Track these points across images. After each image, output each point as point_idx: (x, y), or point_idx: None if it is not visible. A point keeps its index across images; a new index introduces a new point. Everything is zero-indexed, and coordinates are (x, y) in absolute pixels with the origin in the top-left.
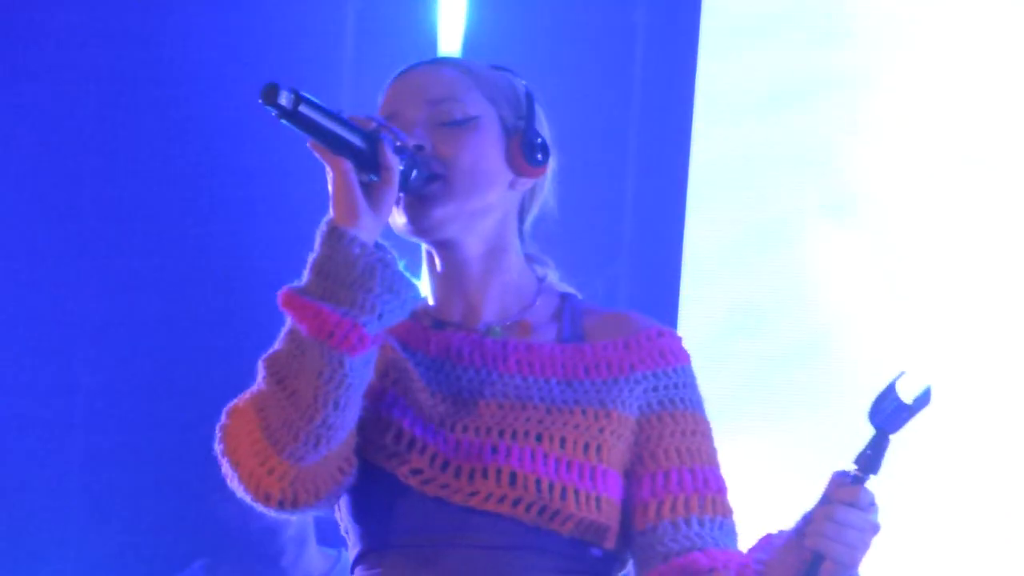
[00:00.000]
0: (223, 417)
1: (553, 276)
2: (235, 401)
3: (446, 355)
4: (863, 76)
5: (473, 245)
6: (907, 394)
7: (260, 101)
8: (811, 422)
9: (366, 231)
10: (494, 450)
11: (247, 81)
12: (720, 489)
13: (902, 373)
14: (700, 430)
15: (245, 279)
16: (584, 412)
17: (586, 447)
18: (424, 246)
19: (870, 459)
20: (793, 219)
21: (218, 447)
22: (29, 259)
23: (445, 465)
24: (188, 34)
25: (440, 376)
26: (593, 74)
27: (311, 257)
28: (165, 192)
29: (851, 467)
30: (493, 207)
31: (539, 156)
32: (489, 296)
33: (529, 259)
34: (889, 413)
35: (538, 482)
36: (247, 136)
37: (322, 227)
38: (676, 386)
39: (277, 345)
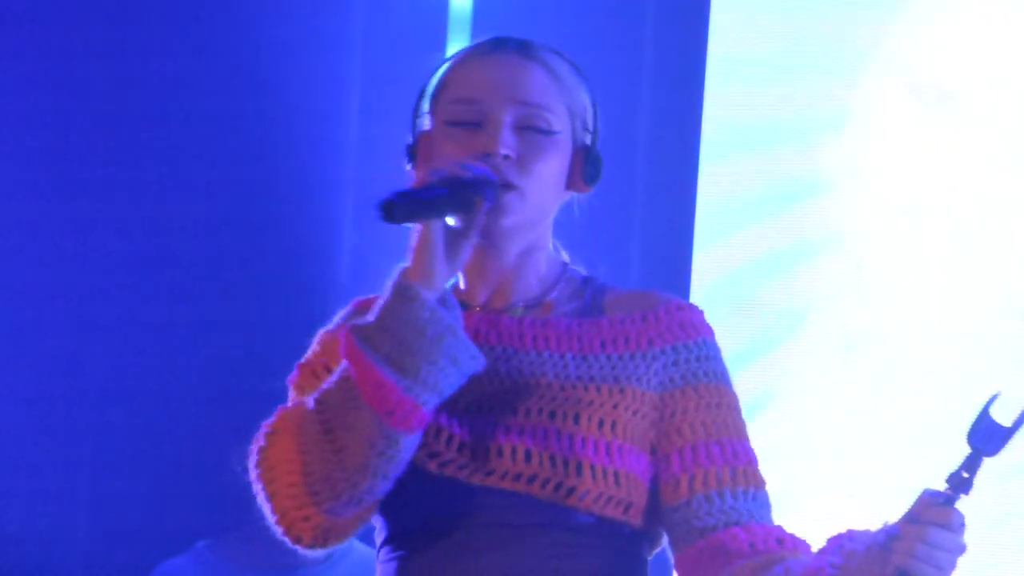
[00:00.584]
0: (261, 439)
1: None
2: (275, 422)
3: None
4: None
5: (515, 246)
6: (1004, 416)
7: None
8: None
9: (438, 289)
10: (507, 428)
11: (250, 76)
12: (751, 461)
13: (997, 395)
14: (726, 402)
15: (249, 279)
16: (599, 388)
17: (600, 423)
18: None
19: (964, 480)
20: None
21: (254, 470)
22: (31, 260)
23: (461, 446)
24: (188, 31)
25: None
26: (602, 57)
27: (380, 300)
28: (172, 194)
29: (943, 486)
30: (547, 216)
31: (594, 174)
32: (517, 284)
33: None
34: (986, 434)
35: (552, 459)
36: (249, 136)
37: (395, 276)
38: (698, 359)
39: (330, 385)
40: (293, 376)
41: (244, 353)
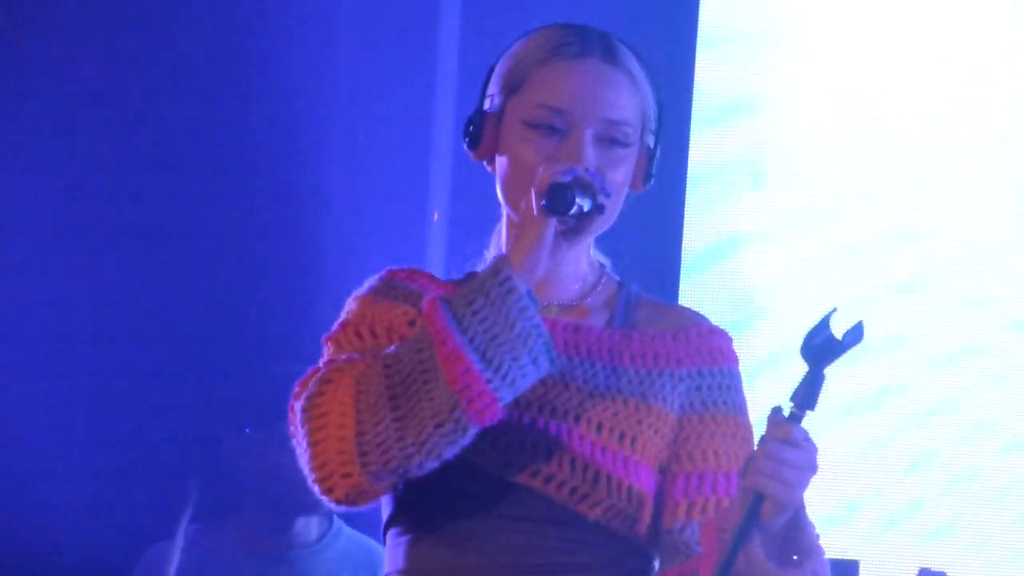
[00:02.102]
0: (313, 385)
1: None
2: (329, 372)
3: None
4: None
5: (572, 251)
6: (839, 330)
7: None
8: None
9: (532, 284)
10: (532, 424)
11: (245, 73)
12: None
13: (835, 309)
14: (740, 435)
15: (243, 271)
16: (625, 401)
17: (621, 436)
18: (508, 221)
19: (805, 395)
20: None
21: (301, 413)
22: (30, 255)
23: (484, 435)
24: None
25: None
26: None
27: (477, 280)
28: (168, 188)
29: (787, 405)
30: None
31: (652, 174)
32: (557, 282)
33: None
34: (821, 348)
35: (572, 461)
36: (245, 132)
37: (499, 263)
38: (720, 387)
39: (405, 351)
40: (331, 333)
41: (234, 343)
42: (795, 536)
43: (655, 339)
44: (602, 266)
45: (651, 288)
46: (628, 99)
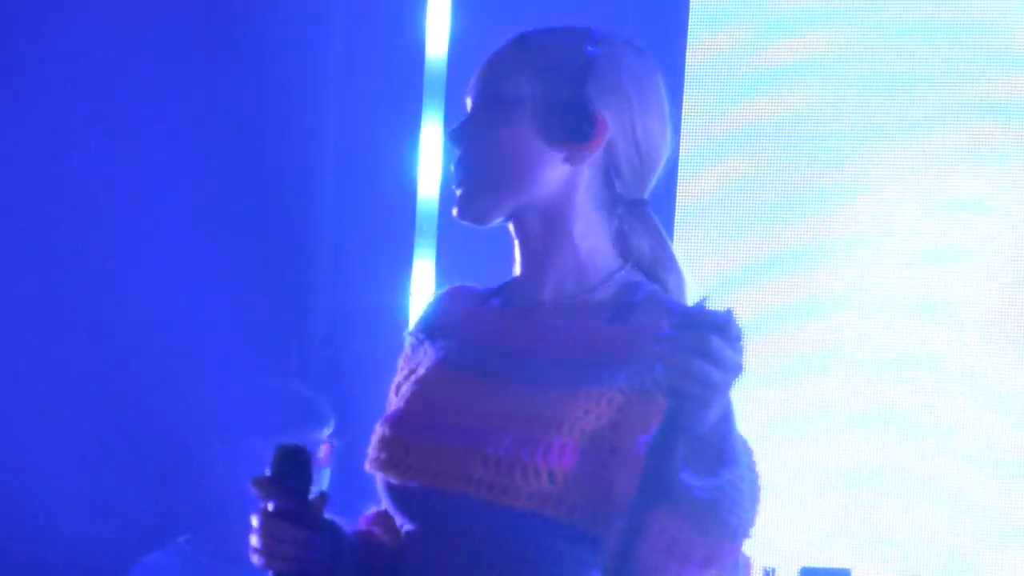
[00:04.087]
0: None
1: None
2: None
3: (466, 333)
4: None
5: (519, 232)
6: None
7: None
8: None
9: None
10: (454, 430)
11: (239, 81)
12: None
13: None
14: None
15: (231, 277)
16: (557, 389)
17: (547, 423)
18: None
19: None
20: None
21: None
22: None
23: (407, 450)
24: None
25: (458, 357)
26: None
27: None
28: (158, 191)
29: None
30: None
31: (576, 129)
32: (545, 276)
33: (621, 242)
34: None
35: (486, 459)
36: (239, 134)
37: None
38: None
39: None
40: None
41: (227, 350)
42: (717, 443)
43: (616, 332)
44: (623, 263)
45: None
46: (510, 61)
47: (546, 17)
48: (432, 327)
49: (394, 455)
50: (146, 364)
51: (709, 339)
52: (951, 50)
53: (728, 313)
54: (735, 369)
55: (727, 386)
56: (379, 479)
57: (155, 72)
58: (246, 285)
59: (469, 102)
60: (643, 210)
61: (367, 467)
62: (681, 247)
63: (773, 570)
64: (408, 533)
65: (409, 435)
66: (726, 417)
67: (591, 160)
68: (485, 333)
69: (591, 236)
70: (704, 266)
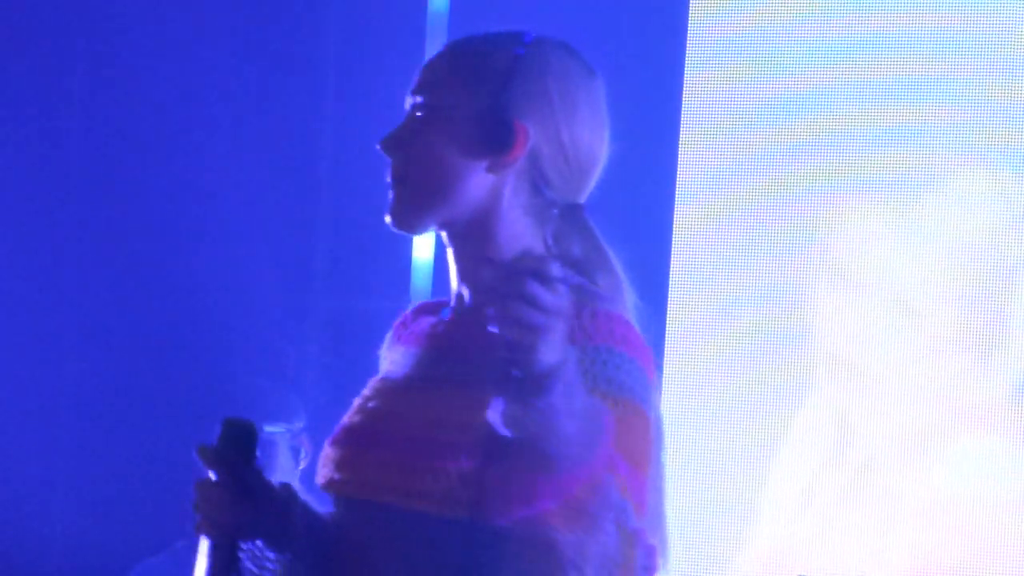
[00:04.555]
0: None
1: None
2: None
3: (413, 346)
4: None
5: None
6: None
7: None
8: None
9: None
10: (380, 439)
11: (240, 77)
12: None
13: None
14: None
15: (234, 278)
16: (467, 389)
17: (461, 425)
18: None
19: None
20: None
21: None
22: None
23: (352, 466)
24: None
25: (403, 369)
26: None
27: None
28: (157, 190)
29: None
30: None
31: (492, 136)
32: (471, 283)
33: (555, 247)
34: None
35: (402, 465)
36: (239, 134)
37: None
38: (595, 364)
39: None
40: None
41: (225, 353)
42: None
43: None
44: (556, 257)
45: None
46: (439, 68)
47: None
48: (390, 346)
49: (325, 474)
50: (143, 367)
51: (525, 282)
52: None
53: (543, 258)
54: (555, 311)
55: (550, 329)
56: (331, 498)
57: (152, 68)
58: (247, 288)
59: (407, 104)
60: (576, 215)
61: (319, 485)
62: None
63: None
64: (360, 545)
65: (354, 450)
66: (562, 365)
67: (515, 168)
68: (426, 344)
69: (518, 241)
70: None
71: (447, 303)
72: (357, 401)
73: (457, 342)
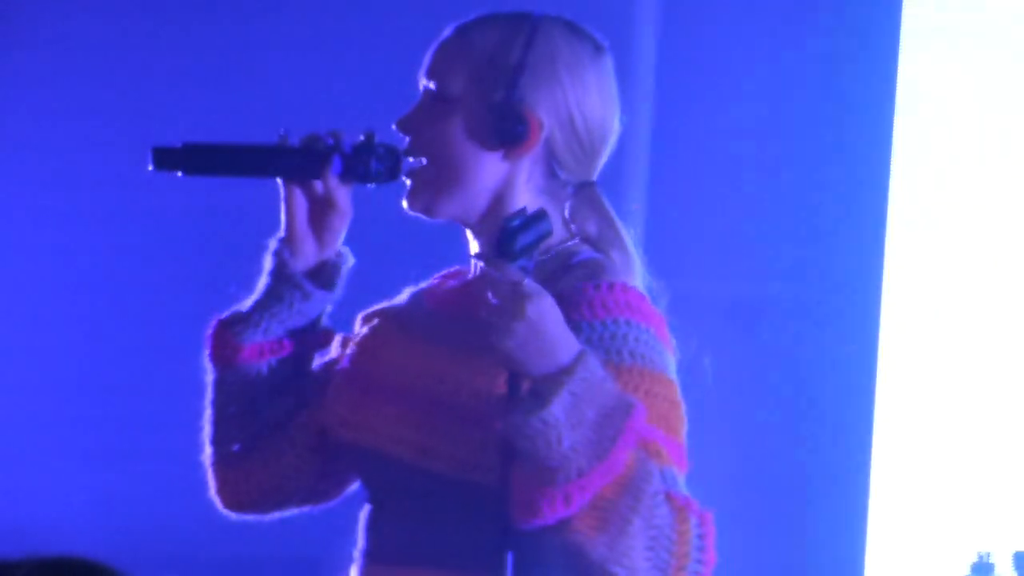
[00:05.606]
0: None
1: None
2: None
3: (423, 304)
4: None
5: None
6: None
7: None
8: None
9: (290, 244)
10: (391, 392)
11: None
12: None
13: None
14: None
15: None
16: (488, 359)
17: (477, 393)
18: None
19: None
20: None
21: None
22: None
23: (355, 407)
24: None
25: (408, 322)
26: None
27: None
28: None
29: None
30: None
31: (508, 132)
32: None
33: (571, 224)
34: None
35: (416, 422)
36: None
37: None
38: (603, 339)
39: None
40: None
41: None
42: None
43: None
44: (570, 237)
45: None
46: (450, 54)
47: None
48: (413, 295)
49: (338, 412)
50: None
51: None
52: None
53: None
54: (509, 314)
55: (504, 334)
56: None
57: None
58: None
59: (421, 85)
60: (590, 191)
61: (328, 426)
62: None
63: (988, 554)
64: (362, 490)
65: (355, 394)
66: (571, 375)
67: (530, 154)
68: (437, 303)
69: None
70: None
71: (467, 272)
72: (363, 343)
73: (469, 311)
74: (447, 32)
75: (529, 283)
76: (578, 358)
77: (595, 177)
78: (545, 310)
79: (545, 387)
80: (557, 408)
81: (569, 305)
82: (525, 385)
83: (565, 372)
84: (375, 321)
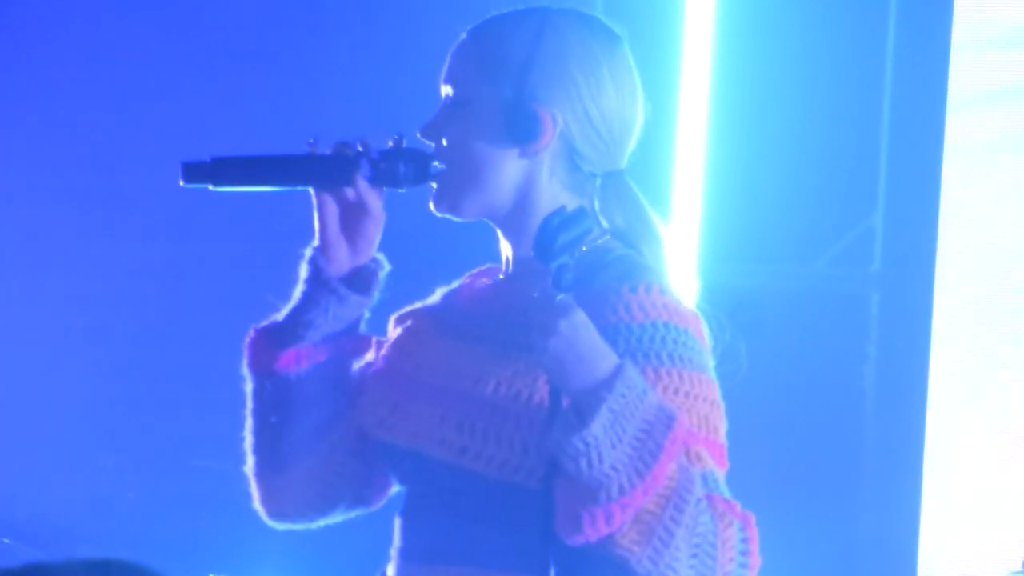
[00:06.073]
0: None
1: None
2: None
3: (459, 303)
4: None
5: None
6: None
7: None
8: None
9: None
10: (434, 394)
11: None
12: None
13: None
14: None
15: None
16: (518, 357)
17: (517, 395)
18: None
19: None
20: None
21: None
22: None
23: (395, 408)
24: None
25: (446, 322)
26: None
27: None
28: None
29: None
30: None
31: (523, 129)
32: (518, 251)
33: (601, 216)
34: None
35: (459, 424)
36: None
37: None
38: (639, 342)
39: None
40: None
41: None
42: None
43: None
44: (602, 233)
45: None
46: (464, 58)
47: None
48: (446, 295)
49: (377, 414)
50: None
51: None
52: None
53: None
54: (551, 333)
55: (546, 352)
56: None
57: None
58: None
59: (442, 92)
60: (617, 181)
61: (367, 425)
62: None
63: None
64: (400, 490)
65: (393, 394)
66: (610, 391)
67: (549, 150)
68: (471, 302)
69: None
70: None
71: (499, 269)
72: (399, 346)
73: (504, 311)
74: (462, 37)
75: (561, 299)
76: (616, 372)
77: (623, 166)
78: (578, 323)
79: (584, 404)
80: (596, 427)
81: (605, 306)
82: (565, 401)
83: (604, 387)
84: (409, 322)
